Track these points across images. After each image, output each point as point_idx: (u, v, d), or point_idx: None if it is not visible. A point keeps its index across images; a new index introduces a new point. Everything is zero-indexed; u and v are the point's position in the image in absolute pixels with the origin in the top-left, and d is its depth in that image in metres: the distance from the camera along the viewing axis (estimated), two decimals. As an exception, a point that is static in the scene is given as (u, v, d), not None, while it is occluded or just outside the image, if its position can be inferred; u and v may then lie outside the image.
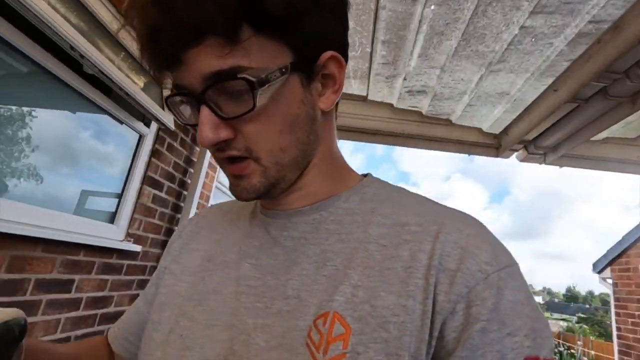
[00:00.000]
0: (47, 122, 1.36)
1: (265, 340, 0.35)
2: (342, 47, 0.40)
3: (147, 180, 1.78)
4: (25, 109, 1.30)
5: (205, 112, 0.34)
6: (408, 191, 0.44)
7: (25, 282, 1.20)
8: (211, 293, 0.41)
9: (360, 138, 2.11)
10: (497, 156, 1.98)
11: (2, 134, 1.25)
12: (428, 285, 0.33)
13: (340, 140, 1.95)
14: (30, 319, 1.23)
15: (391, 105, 2.02)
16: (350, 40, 1.41)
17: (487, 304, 0.31)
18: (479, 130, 1.98)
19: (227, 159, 0.37)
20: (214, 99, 0.34)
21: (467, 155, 2.09)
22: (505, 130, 1.88)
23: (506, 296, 0.32)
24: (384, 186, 0.45)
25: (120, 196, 1.66)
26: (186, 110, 0.39)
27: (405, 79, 1.76)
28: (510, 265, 0.34)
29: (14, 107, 1.28)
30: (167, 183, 1.94)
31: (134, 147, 1.71)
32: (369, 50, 1.65)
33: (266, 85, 0.33)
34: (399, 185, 0.46)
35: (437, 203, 0.42)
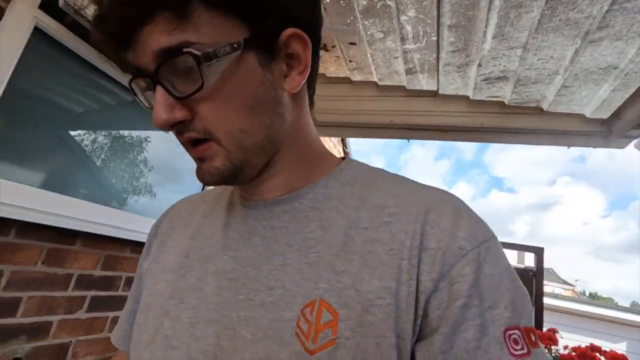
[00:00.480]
0: (152, 144, 1.55)
1: (252, 332, 0.34)
2: (308, 25, 0.38)
3: (221, 188, 1.90)
4: (142, 135, 1.52)
5: (159, 92, 0.33)
6: (387, 172, 0.43)
7: (117, 279, 1.35)
8: (192, 290, 0.40)
9: (433, 136, 1.95)
10: (606, 146, 1.63)
11: (126, 158, 1.47)
12: (411, 266, 0.33)
13: (412, 141, 1.80)
14: (122, 313, 1.39)
15: (467, 97, 1.82)
16: (413, 31, 1.30)
17: (468, 279, 0.32)
18: (581, 116, 1.66)
19: (190, 142, 0.36)
20: (169, 79, 0.33)
21: (566, 147, 1.77)
22: (617, 113, 1.54)
23: (485, 270, 0.33)
24: (363, 169, 0.44)
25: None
26: (151, 95, 0.37)
27: (480, 65, 1.57)
28: (488, 240, 0.35)
29: (134, 134, 1.51)
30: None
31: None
32: (434, 38, 1.52)
33: (214, 60, 0.32)
34: (377, 166, 0.45)
35: (415, 183, 0.41)
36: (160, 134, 1.62)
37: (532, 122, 1.71)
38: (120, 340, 0.51)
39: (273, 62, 0.36)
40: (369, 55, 1.75)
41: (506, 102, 1.73)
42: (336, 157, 0.46)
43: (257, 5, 0.34)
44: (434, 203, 0.37)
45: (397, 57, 1.73)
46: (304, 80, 0.38)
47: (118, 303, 1.36)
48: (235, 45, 0.32)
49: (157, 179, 1.60)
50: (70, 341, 1.19)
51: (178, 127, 0.35)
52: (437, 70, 1.71)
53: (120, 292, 1.36)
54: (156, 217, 1.51)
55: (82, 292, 1.22)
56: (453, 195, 0.39)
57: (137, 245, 1.42)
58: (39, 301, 1.10)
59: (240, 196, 0.45)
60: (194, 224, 0.47)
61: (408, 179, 0.42)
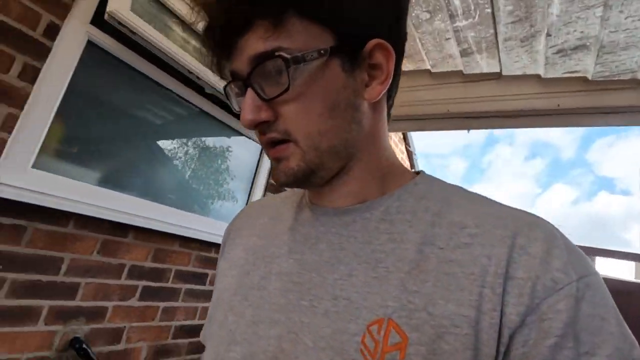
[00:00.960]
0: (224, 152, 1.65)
1: (313, 340, 0.34)
2: (392, 37, 0.39)
3: (270, 187, 1.93)
4: (223, 145, 1.71)
5: (249, 94, 0.36)
6: (465, 189, 0.41)
7: (167, 272, 1.44)
8: (256, 288, 0.41)
9: (497, 124, 1.72)
10: None
11: (211, 166, 1.60)
12: (495, 295, 0.31)
13: (473, 131, 1.61)
14: (172, 304, 1.47)
15: (537, 76, 1.56)
16: (462, 5, 1.15)
17: (562, 317, 0.29)
18: (698, 86, 1.29)
19: (270, 143, 0.38)
20: (258, 82, 0.36)
21: (679, 128, 1.40)
22: None
23: (584, 310, 0.29)
24: (439, 184, 0.42)
25: (246, 202, 1.85)
26: (242, 100, 0.41)
27: (549, 35, 1.33)
28: (588, 275, 0.31)
29: (218, 145, 1.68)
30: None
31: (257, 157, 1.91)
32: (489, 10, 1.33)
33: (301, 64, 0.34)
34: (457, 184, 0.43)
35: (499, 203, 0.38)
36: (203, 138, 1.70)
37: (627, 98, 1.39)
38: (205, 339, 0.53)
39: (356, 71, 0.38)
40: (417, 40, 1.62)
41: (589, 77, 1.43)
42: (410, 172, 0.45)
43: (345, 16, 0.36)
44: (523, 227, 0.34)
45: (448, 39, 1.56)
46: (385, 91, 0.39)
47: (168, 294, 1.44)
48: (322, 52, 0.35)
49: (216, 184, 1.71)
50: (124, 326, 1.30)
51: (262, 127, 0.37)
52: (497, 47, 1.50)
53: (170, 284, 1.45)
54: (211, 215, 1.57)
55: (134, 282, 1.32)
56: (544, 220, 0.35)
57: (186, 240, 1.50)
58: (96, 287, 1.21)
59: (310, 201, 0.45)
60: (261, 224, 0.49)
61: (489, 199, 0.39)
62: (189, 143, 1.61)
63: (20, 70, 1.00)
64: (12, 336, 1.03)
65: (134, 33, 1.18)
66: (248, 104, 0.36)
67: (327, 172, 0.39)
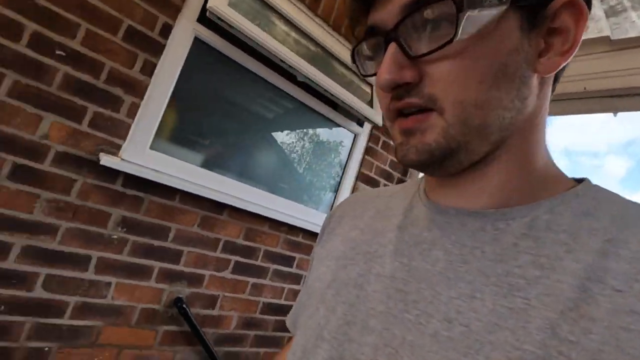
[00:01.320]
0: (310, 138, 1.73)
1: None
2: None
3: (361, 176, 1.88)
4: (337, 140, 1.81)
5: (391, 49, 0.30)
6: None
7: (257, 250, 1.54)
8: (352, 286, 0.36)
9: (619, 106, 1.29)
10: None
11: (325, 160, 1.69)
12: None
13: (567, 116, 1.28)
14: (261, 281, 1.57)
15: None
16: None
17: None
18: None
19: (401, 112, 0.32)
20: (406, 35, 0.30)
21: None
22: None
23: None
24: (612, 198, 0.31)
25: (336, 190, 1.84)
26: (371, 65, 0.36)
27: None
28: None
29: (326, 140, 1.77)
30: (382, 180, 1.96)
31: (350, 146, 1.87)
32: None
33: (477, 10, 0.27)
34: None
35: None
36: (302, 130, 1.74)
37: None
38: (293, 325, 0.50)
39: (533, 33, 0.30)
40: (542, 4, 1.33)
41: None
42: (569, 178, 0.35)
43: None
44: None
45: (587, -5, 1.23)
46: (565, 64, 0.31)
47: (257, 271, 1.55)
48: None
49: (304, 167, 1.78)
50: (219, 295, 1.44)
51: (399, 91, 0.31)
52: None
53: (259, 262, 1.55)
54: (300, 201, 1.62)
55: (227, 256, 1.45)
56: None
57: (275, 223, 1.57)
58: (196, 256, 1.37)
59: (428, 197, 0.38)
60: (366, 217, 0.44)
61: None
62: (288, 132, 1.68)
63: (141, 66, 1.19)
64: (132, 287, 1.25)
65: (231, 27, 1.27)
66: (388, 61, 0.29)
67: (469, 157, 0.31)
